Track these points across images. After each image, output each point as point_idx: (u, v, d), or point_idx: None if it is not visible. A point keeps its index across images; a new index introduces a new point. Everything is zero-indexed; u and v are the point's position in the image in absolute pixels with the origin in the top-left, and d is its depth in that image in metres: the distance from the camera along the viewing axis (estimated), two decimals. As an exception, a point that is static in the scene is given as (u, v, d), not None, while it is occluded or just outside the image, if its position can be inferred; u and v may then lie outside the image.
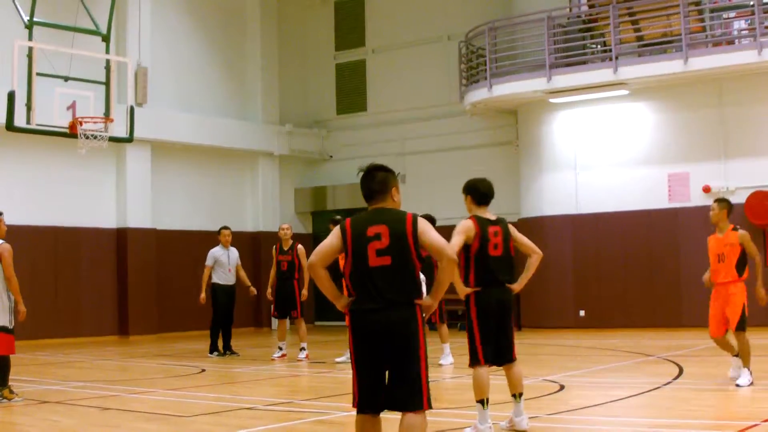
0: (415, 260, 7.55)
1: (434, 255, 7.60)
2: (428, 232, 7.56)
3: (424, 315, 7.62)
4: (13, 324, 13.89)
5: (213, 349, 21.37)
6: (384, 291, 7.47)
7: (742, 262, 13.70)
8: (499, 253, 10.24)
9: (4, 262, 13.81)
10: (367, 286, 7.53)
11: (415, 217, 7.61)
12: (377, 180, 7.78)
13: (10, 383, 13.98)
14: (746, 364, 13.56)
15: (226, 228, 21.77)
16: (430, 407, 7.51)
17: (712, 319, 13.81)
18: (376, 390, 7.49)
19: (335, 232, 7.72)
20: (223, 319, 21.44)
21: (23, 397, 14.08)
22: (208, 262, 21.46)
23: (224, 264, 21.41)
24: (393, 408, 7.50)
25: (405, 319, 7.47)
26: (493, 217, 10.34)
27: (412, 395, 7.43)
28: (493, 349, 10.18)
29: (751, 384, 13.31)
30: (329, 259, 7.68)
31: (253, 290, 21.89)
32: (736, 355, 13.86)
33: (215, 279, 21.39)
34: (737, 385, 13.31)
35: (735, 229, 13.76)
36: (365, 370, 7.52)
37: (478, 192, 10.42)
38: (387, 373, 7.49)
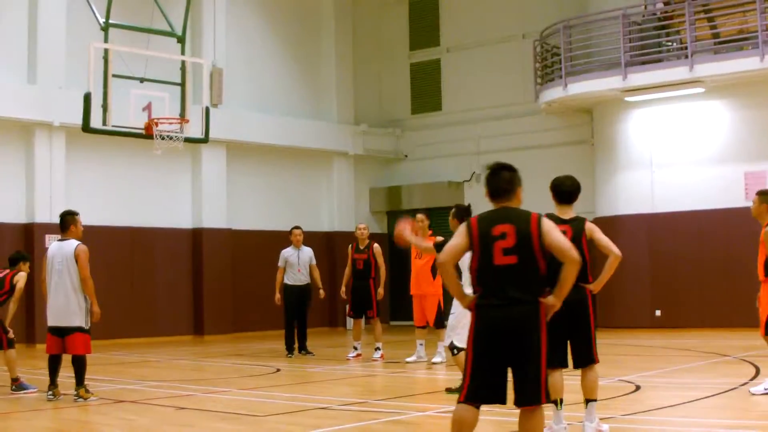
0: (540, 260, 7.61)
1: (557, 255, 7.66)
2: (552, 233, 7.63)
3: (546, 314, 7.67)
4: (89, 324, 14.04)
5: (288, 349, 21.45)
6: (508, 289, 7.57)
7: None
8: None
9: (80, 263, 13.93)
10: (492, 283, 7.65)
11: (540, 217, 7.68)
12: (504, 179, 7.88)
13: (86, 382, 14.13)
14: None
15: (297, 228, 21.77)
16: (547, 401, 7.61)
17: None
18: (490, 384, 7.57)
19: (461, 230, 7.81)
20: (294, 319, 21.50)
21: (99, 396, 14.21)
22: (280, 263, 21.56)
23: (294, 264, 21.44)
24: (515, 403, 7.58)
25: (527, 317, 7.55)
26: (568, 217, 10.17)
27: (532, 391, 7.52)
28: (563, 350, 10.04)
29: None
30: (458, 257, 7.88)
31: (322, 293, 21.76)
32: None
33: (285, 279, 21.42)
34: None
35: None
36: (482, 365, 7.59)
37: (556, 191, 10.31)
38: (507, 369, 7.56)
